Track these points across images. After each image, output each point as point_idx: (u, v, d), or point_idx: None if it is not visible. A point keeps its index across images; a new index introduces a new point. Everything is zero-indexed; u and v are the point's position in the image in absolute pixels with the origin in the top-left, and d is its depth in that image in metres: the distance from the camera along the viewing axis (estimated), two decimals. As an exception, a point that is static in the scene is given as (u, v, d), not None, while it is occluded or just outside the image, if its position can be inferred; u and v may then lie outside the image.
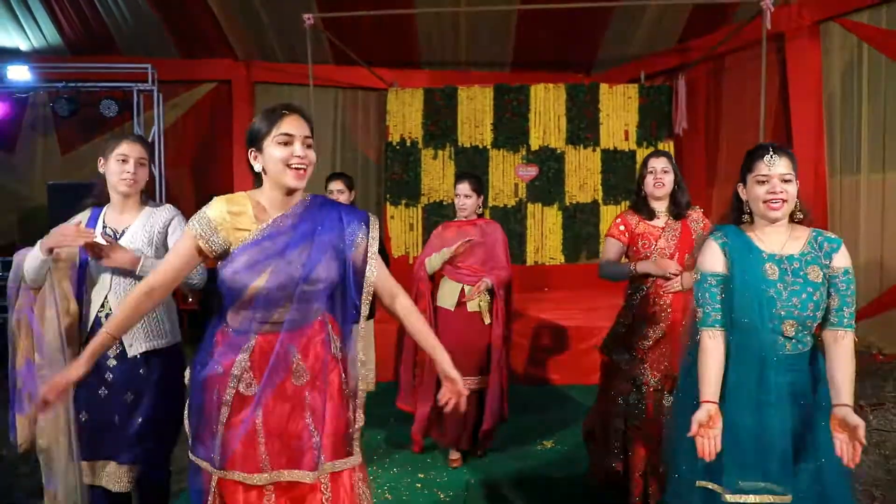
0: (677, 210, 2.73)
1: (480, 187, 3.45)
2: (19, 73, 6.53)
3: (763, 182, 1.78)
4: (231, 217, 1.63)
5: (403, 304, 1.78)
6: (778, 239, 1.82)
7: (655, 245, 2.70)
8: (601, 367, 2.94)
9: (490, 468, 3.35)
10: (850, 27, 5.75)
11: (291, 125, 1.62)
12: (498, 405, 3.36)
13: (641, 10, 6.90)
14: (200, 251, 1.64)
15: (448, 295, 3.39)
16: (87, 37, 6.98)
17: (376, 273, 1.69)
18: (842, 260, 1.79)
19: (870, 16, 5.62)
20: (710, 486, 1.76)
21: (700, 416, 1.67)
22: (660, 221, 2.75)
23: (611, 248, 2.79)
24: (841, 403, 1.65)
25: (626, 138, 7.44)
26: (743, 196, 1.86)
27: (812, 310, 1.75)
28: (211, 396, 1.64)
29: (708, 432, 1.67)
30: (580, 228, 7.49)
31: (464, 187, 3.39)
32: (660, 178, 2.70)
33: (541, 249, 7.51)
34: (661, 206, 2.75)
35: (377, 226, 1.74)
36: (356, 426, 1.71)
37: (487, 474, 3.27)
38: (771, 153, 1.78)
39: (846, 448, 1.61)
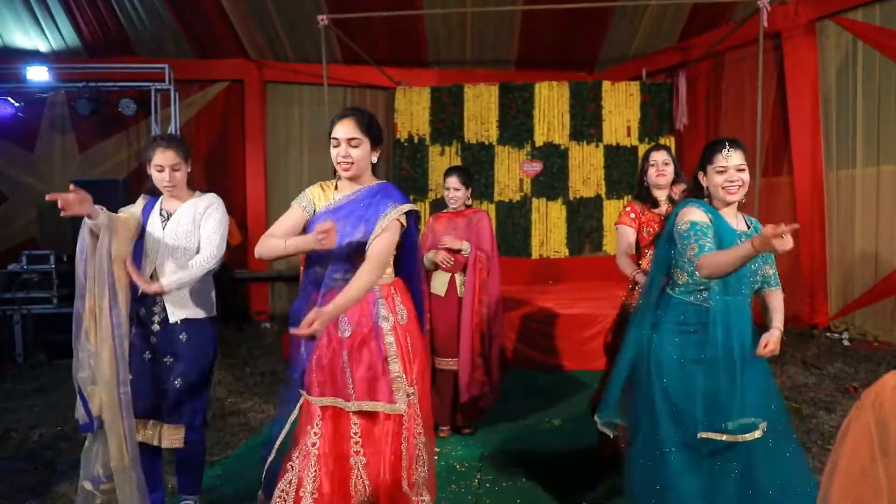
0: (675, 199, 2.92)
1: (469, 180, 3.61)
2: (38, 74, 6.74)
3: (722, 172, 2.08)
4: (322, 193, 2.13)
5: (358, 272, 1.95)
6: (733, 220, 2.12)
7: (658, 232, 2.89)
8: (605, 350, 3.20)
9: (502, 442, 3.55)
10: (845, 25, 5.93)
11: (339, 130, 2.03)
12: (468, 380, 3.45)
13: (642, 10, 7.09)
14: (302, 212, 2.09)
15: (439, 284, 3.60)
16: (104, 38, 7.18)
17: (374, 238, 1.97)
18: None
19: (864, 14, 5.80)
20: (713, 435, 2.01)
21: (769, 231, 1.71)
22: (661, 210, 2.98)
23: (625, 237, 2.98)
24: (775, 327, 2.11)
25: (629, 134, 7.63)
26: (703, 182, 2.15)
27: (760, 276, 2.13)
28: (297, 338, 2.01)
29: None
30: (584, 222, 7.68)
31: (453, 180, 3.56)
32: (661, 170, 2.95)
33: (545, 243, 7.70)
34: (662, 195, 2.98)
35: (404, 209, 2.02)
36: (396, 385, 2.02)
37: (499, 447, 3.48)
38: (727, 147, 2.08)
39: (762, 349, 2.03)
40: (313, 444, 2.01)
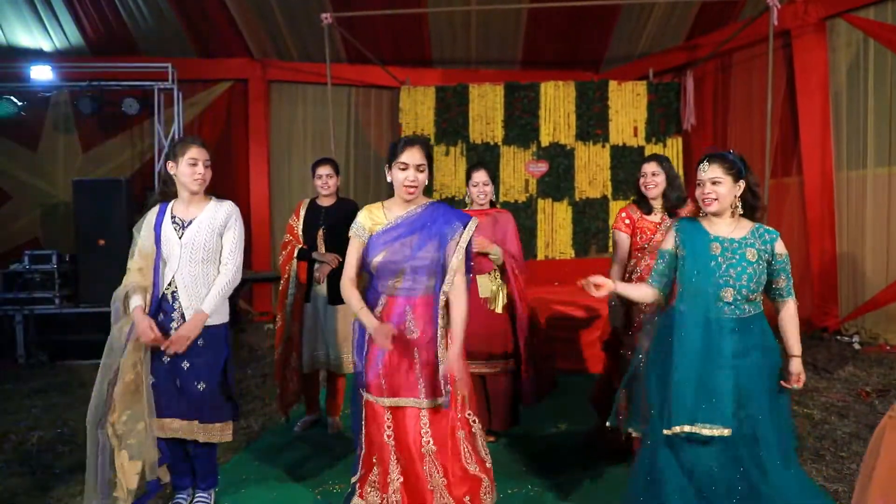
0: (668, 205, 3.12)
1: (493, 176, 3.60)
2: (42, 73, 6.71)
3: (699, 185, 2.25)
4: (371, 216, 2.33)
5: (453, 294, 2.28)
6: (725, 227, 2.25)
7: (652, 238, 3.10)
8: (603, 344, 3.38)
9: (508, 448, 3.49)
10: (856, 23, 5.84)
11: (410, 156, 2.23)
12: (530, 385, 3.49)
13: (649, 8, 7.02)
14: (363, 244, 2.31)
15: None
16: (108, 37, 7.15)
17: (455, 265, 2.25)
18: (781, 248, 2.26)
19: (876, 12, 5.70)
20: (666, 431, 2.14)
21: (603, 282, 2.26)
22: (656, 217, 3.14)
23: (622, 243, 3.22)
24: (793, 355, 2.23)
25: (635, 135, 7.54)
26: None
27: (746, 281, 2.19)
28: (361, 342, 2.33)
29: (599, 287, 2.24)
30: (590, 223, 7.60)
31: (482, 175, 3.48)
32: (650, 180, 3.12)
33: (551, 244, 7.63)
34: (657, 204, 3.16)
35: (473, 226, 2.32)
36: (446, 379, 2.25)
37: (505, 452, 3.41)
38: (705, 162, 2.24)
39: (792, 383, 2.19)
40: (388, 437, 2.27)
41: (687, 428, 2.10)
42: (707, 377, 2.13)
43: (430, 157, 2.33)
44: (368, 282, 2.39)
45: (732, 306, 2.19)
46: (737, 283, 2.18)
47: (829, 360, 5.15)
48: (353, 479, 2.38)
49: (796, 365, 2.20)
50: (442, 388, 2.24)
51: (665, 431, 2.14)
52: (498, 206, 3.71)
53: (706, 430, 2.10)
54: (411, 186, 2.24)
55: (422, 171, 2.26)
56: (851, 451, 3.31)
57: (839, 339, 5.82)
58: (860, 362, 5.06)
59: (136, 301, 2.55)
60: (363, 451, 2.35)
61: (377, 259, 2.25)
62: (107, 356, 2.49)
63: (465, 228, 2.29)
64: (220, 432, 2.62)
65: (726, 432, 2.10)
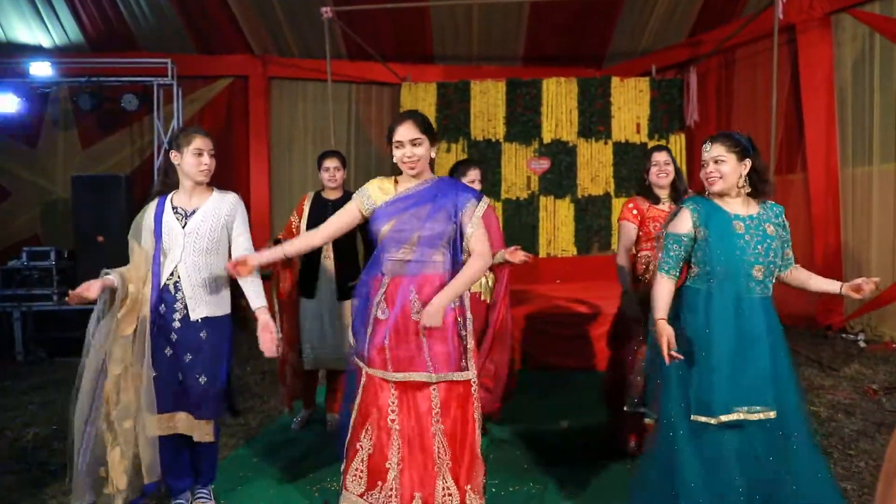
0: (677, 195, 3.11)
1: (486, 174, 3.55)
2: (42, 69, 6.68)
3: (704, 165, 2.21)
4: (380, 186, 2.32)
5: (471, 259, 2.27)
6: (739, 206, 2.22)
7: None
8: (609, 335, 3.38)
9: (508, 444, 3.45)
10: (862, 18, 5.78)
11: (402, 133, 2.22)
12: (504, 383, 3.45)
13: (652, 4, 6.98)
14: (359, 210, 2.31)
15: None
16: (107, 33, 7.11)
17: (473, 231, 2.24)
18: (785, 219, 2.28)
19: (881, 6, 5.65)
20: (702, 418, 2.09)
21: (665, 331, 2.11)
22: (664, 206, 3.13)
23: (628, 233, 3.18)
24: (839, 285, 2.23)
25: (638, 131, 7.49)
26: None
27: (773, 256, 2.18)
28: (363, 318, 2.30)
29: (671, 345, 2.11)
30: (592, 220, 7.55)
31: (476, 173, 3.45)
32: (663, 169, 3.11)
33: (553, 241, 7.58)
34: (663, 194, 3.17)
35: (486, 202, 2.33)
36: (467, 355, 2.26)
37: (506, 450, 3.38)
38: (709, 142, 2.21)
39: (866, 288, 2.13)
40: (392, 420, 2.19)
41: (724, 417, 2.06)
42: (744, 359, 2.09)
43: (427, 129, 2.27)
44: (371, 261, 2.34)
45: (762, 284, 2.17)
46: (765, 260, 2.16)
47: (834, 358, 5.10)
48: (342, 469, 2.32)
49: (853, 283, 2.16)
50: (459, 362, 2.22)
51: (702, 419, 2.08)
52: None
53: (746, 415, 2.05)
54: (410, 161, 2.23)
55: (418, 145, 2.22)
56: (859, 448, 3.26)
57: (844, 336, 5.77)
58: (866, 360, 5.01)
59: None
60: (349, 435, 2.28)
61: (385, 228, 2.22)
62: (85, 354, 2.41)
63: (478, 201, 2.29)
64: (204, 430, 2.54)
65: (772, 414, 2.06)
